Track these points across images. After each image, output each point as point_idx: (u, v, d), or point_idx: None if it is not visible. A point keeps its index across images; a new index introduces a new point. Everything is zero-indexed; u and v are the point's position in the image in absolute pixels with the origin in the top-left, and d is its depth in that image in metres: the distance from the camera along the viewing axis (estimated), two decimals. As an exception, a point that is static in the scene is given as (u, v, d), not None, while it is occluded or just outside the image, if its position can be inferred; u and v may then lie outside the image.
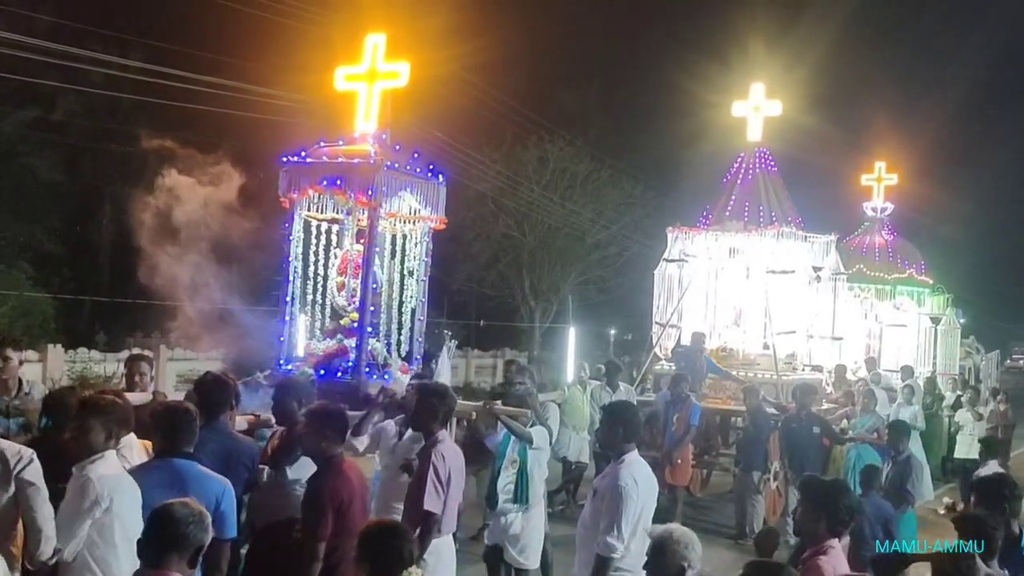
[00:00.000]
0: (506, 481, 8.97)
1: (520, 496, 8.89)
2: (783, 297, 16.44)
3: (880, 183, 24.15)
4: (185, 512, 4.17)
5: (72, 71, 27.50)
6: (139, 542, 4.18)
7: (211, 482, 5.59)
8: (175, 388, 20.18)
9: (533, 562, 9.10)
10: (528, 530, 8.97)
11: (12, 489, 5.02)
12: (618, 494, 6.07)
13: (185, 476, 5.52)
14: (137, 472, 5.56)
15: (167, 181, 12.38)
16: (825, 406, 15.07)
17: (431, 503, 6.52)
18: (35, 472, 5.12)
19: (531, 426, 9.09)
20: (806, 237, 16.91)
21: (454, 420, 8.66)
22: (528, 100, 35.58)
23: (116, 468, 5.31)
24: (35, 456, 5.16)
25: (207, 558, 5.39)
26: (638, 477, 6.16)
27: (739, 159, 17.81)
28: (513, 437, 9.07)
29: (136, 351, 18.42)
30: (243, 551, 6.64)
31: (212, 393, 6.69)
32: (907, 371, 18.65)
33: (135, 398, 6.84)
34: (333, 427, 6.27)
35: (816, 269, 16.86)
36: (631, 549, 6.05)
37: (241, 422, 7.64)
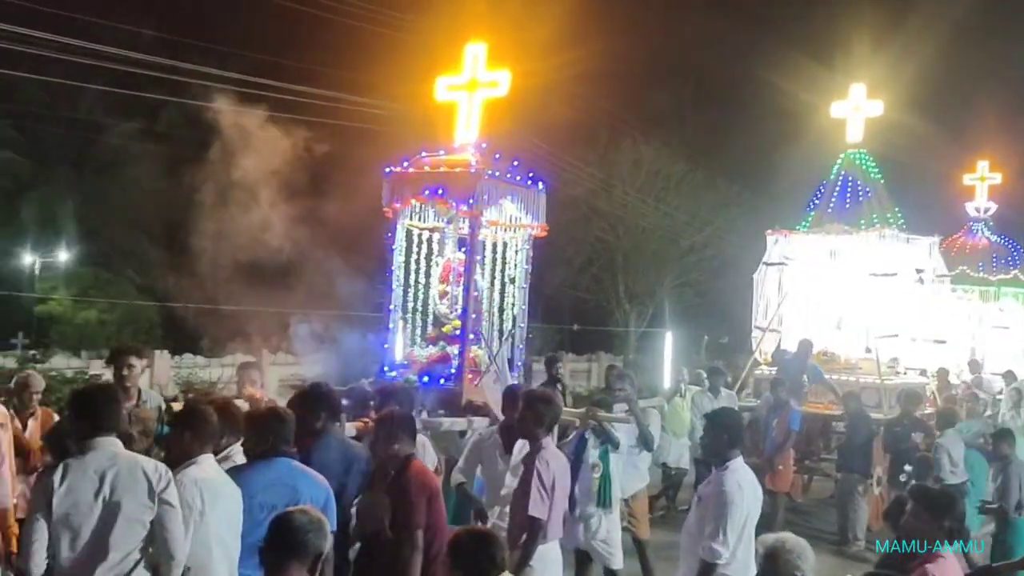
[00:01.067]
0: (587, 485, 9.01)
1: (603, 500, 8.93)
2: (885, 300, 16.20)
3: (983, 182, 23.67)
4: (304, 520, 4.24)
5: (173, 83, 28.18)
6: (260, 549, 4.25)
7: (316, 480, 5.75)
8: (278, 393, 20.57)
9: (621, 560, 9.16)
10: (612, 532, 9.03)
11: (156, 509, 5.03)
12: (724, 500, 6.07)
13: (293, 475, 5.67)
14: (244, 472, 5.70)
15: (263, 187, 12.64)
16: (929, 410, 14.81)
17: (536, 509, 6.57)
18: (173, 492, 5.10)
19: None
20: (908, 238, 16.67)
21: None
22: (622, 102, 35.51)
23: (212, 472, 5.42)
24: (172, 474, 5.17)
25: None
26: (744, 483, 6.17)
27: (839, 160, 17.62)
28: (591, 441, 9.09)
29: (244, 358, 18.82)
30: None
31: (325, 402, 6.81)
32: (1009, 376, 18.20)
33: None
34: (404, 430, 6.38)
35: (918, 271, 16.60)
36: (737, 556, 6.05)
37: (350, 428, 7.79)
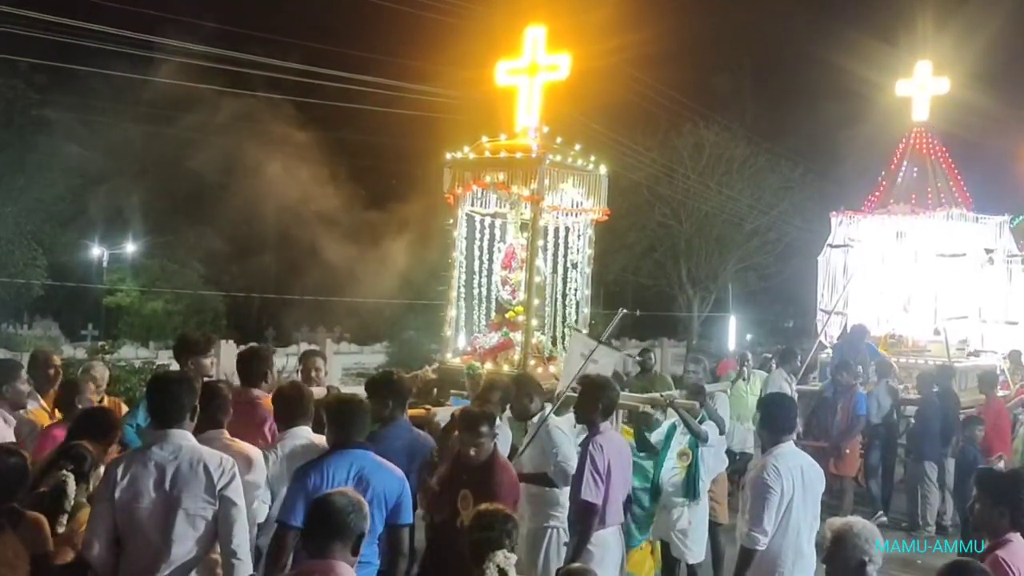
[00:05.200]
0: (673, 474, 8.93)
1: (690, 491, 8.85)
2: (954, 281, 15.96)
3: (1055, 159, 23.26)
4: (345, 502, 4.26)
5: (236, 75, 28.43)
6: (302, 534, 4.28)
7: (390, 472, 5.67)
8: (341, 381, 20.73)
9: (700, 555, 9.07)
10: (696, 524, 8.94)
11: (217, 505, 4.96)
12: (760, 486, 6.12)
13: (365, 466, 5.58)
14: (317, 464, 5.63)
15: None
16: (1000, 393, 14.55)
17: (589, 494, 6.56)
18: (236, 489, 5.04)
19: (701, 421, 9.04)
20: (977, 218, 16.40)
21: (619, 412, 8.67)
22: (683, 86, 35.29)
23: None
24: (237, 469, 5.09)
25: (391, 544, 5.51)
26: (782, 468, 6.15)
27: (905, 140, 17.36)
28: (679, 429, 9.03)
29: (308, 347, 18.92)
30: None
31: (393, 390, 6.83)
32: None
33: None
34: (485, 425, 6.32)
35: (988, 251, 16.32)
36: (777, 540, 6.11)
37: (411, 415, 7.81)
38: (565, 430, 7.38)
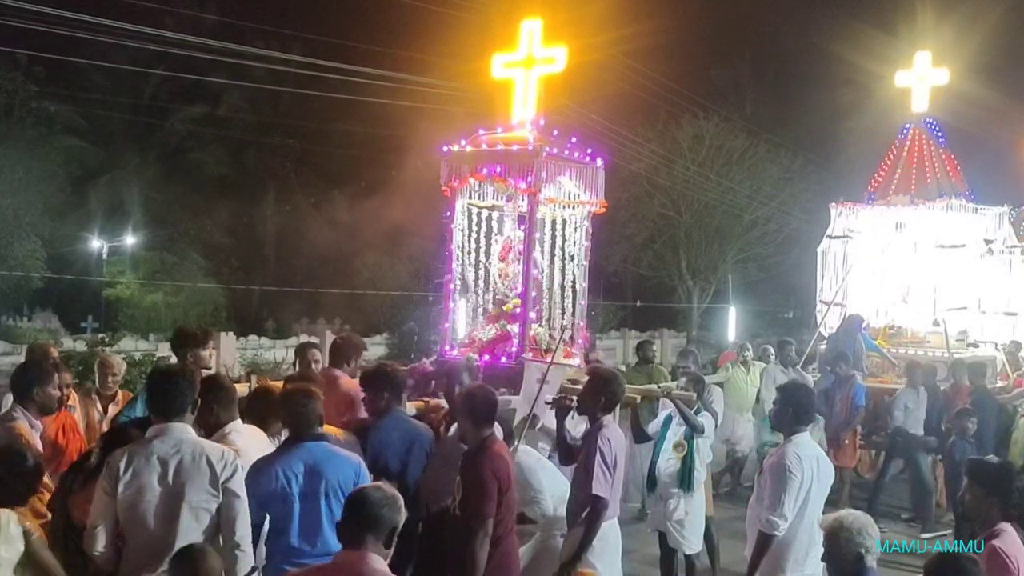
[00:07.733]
0: (669, 465, 8.95)
1: (685, 482, 8.87)
2: (953, 272, 15.94)
3: (1055, 149, 23.19)
4: (379, 496, 4.34)
5: (236, 67, 28.44)
6: (338, 524, 4.37)
7: (345, 460, 5.67)
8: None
9: (697, 545, 9.09)
10: (692, 514, 8.96)
11: (220, 497, 4.99)
12: (782, 472, 6.14)
13: (317, 458, 5.57)
14: (274, 457, 5.63)
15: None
16: (999, 384, 14.54)
17: (600, 488, 6.53)
18: (238, 482, 5.07)
19: (697, 413, 9.05)
20: (976, 209, 16.38)
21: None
22: (682, 77, 35.23)
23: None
24: (239, 461, 5.12)
25: None
26: (803, 455, 6.20)
27: (904, 130, 17.33)
28: (675, 421, 9.05)
29: (305, 338, 18.86)
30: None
31: (389, 382, 6.82)
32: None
33: None
34: (479, 410, 6.25)
35: (988, 242, 16.30)
36: (798, 529, 6.13)
37: (410, 408, 7.80)
38: (536, 461, 7.36)
